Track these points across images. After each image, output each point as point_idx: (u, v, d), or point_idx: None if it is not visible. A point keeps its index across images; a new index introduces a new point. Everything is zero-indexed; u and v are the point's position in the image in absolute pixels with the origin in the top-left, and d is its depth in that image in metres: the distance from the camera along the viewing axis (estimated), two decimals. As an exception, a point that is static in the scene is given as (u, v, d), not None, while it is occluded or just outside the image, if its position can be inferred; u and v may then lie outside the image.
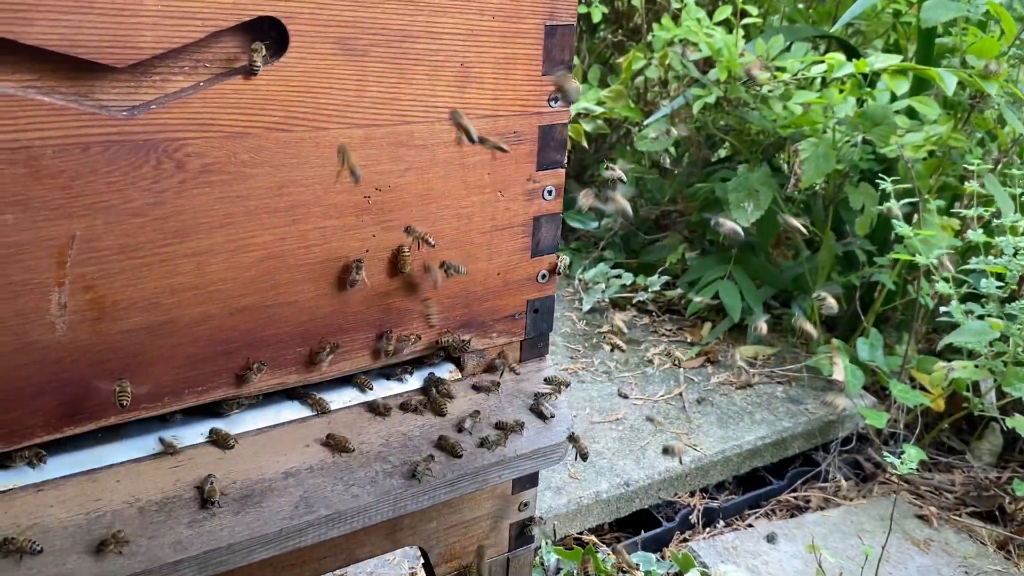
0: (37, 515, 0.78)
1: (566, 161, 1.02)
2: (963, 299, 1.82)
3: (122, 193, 0.76)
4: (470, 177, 0.96)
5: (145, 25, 0.73)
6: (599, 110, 2.46)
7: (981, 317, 1.74)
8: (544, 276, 1.07)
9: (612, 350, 2.18)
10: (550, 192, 1.03)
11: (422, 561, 1.11)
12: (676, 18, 2.39)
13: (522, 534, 1.16)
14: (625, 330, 2.17)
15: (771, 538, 1.73)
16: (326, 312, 0.91)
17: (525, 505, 1.16)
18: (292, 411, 0.94)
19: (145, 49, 0.74)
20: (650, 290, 2.47)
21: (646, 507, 1.77)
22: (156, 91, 0.76)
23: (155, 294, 0.81)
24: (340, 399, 0.97)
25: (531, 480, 1.14)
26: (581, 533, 1.69)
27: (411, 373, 1.03)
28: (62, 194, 0.74)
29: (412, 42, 0.87)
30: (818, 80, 2.16)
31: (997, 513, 1.87)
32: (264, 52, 0.79)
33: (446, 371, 1.06)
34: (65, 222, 0.75)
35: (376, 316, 0.96)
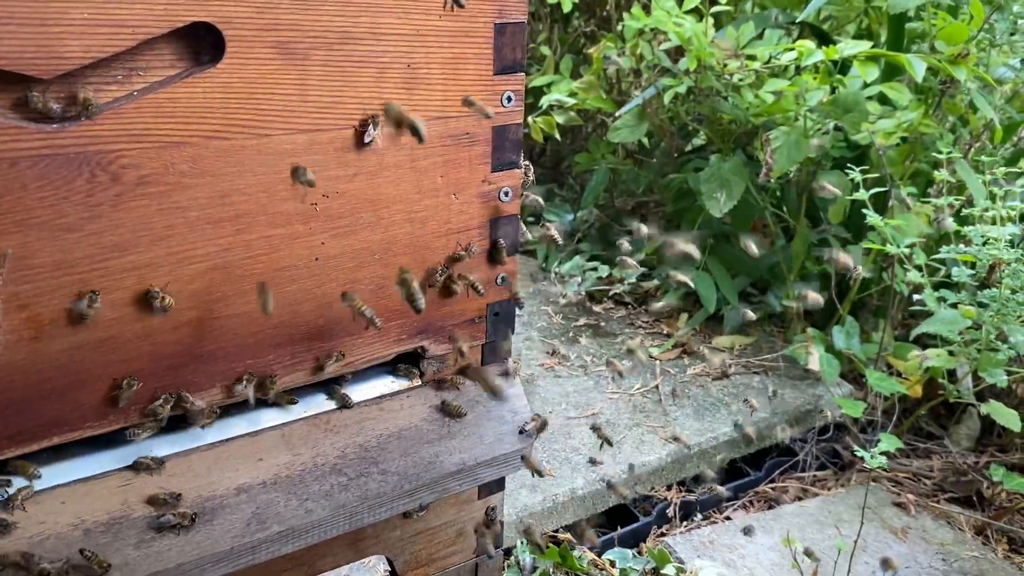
0: (-23, 541, 0.76)
1: (540, 153, 1.00)
2: (937, 286, 1.81)
3: (55, 208, 0.74)
4: (423, 180, 0.94)
5: (72, 34, 0.70)
6: (571, 102, 2.43)
7: (954, 305, 1.74)
8: (504, 279, 1.05)
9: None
10: (507, 193, 1.01)
11: (389, 569, 1.10)
12: (647, 7, 2.37)
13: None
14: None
15: (748, 531, 1.72)
16: (274, 323, 0.89)
17: (492, 509, 1.14)
18: (244, 425, 0.92)
19: (73, 59, 0.71)
20: (626, 282, 2.45)
21: (623, 502, 1.76)
22: (87, 102, 0.74)
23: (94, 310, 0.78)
24: (294, 411, 0.95)
25: (498, 484, 1.13)
26: (556, 531, 1.67)
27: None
28: (-10, 211, 0.71)
29: (355, 44, 0.84)
30: (791, 67, 2.15)
31: (975, 498, 1.87)
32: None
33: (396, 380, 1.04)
34: (-6, 240, 0.72)
35: (326, 327, 0.94)
